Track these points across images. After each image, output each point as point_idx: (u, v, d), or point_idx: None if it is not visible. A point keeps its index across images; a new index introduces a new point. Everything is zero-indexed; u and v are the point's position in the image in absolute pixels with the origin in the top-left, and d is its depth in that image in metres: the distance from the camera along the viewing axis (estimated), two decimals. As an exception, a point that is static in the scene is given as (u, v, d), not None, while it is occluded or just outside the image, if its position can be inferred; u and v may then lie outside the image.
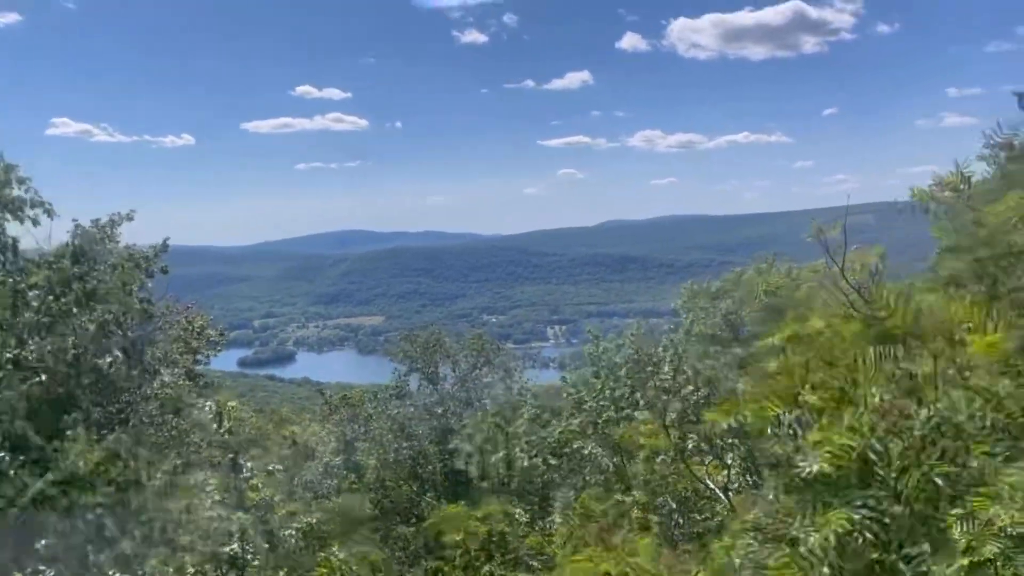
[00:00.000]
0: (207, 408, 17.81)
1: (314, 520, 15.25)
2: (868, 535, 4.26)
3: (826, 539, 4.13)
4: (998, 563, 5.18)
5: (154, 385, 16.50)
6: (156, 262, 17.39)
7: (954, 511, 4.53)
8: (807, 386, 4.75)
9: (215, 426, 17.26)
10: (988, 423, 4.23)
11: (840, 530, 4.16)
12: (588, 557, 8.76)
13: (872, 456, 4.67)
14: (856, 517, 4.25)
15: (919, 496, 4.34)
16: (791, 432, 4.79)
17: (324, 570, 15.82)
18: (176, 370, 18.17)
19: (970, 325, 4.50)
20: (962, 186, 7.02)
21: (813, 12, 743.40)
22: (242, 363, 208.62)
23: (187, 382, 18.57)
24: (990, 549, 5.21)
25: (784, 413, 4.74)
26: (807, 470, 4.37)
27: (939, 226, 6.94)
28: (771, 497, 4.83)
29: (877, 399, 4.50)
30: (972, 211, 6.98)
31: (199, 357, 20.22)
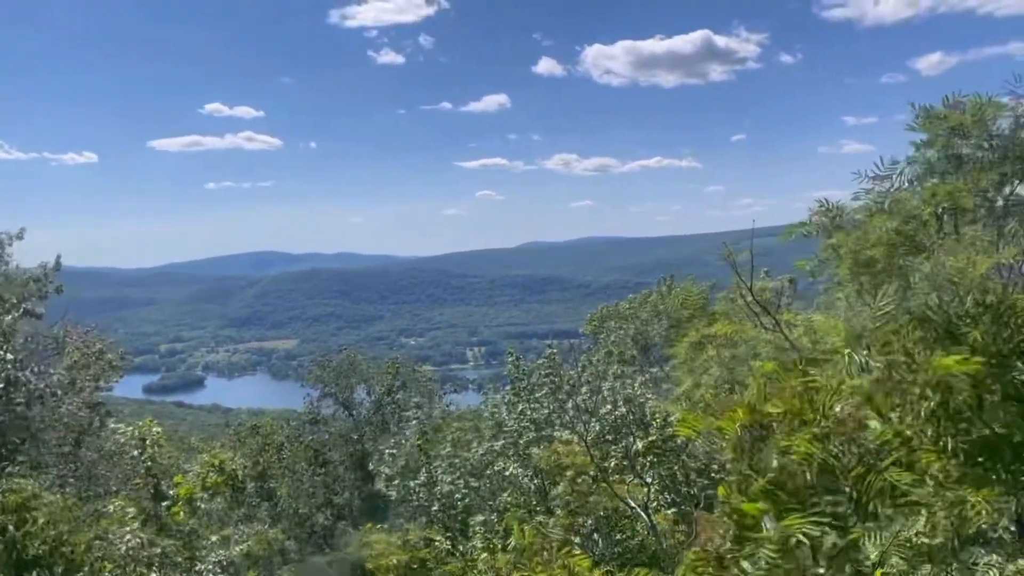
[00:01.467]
0: (125, 434, 16.82)
1: (236, 551, 14.60)
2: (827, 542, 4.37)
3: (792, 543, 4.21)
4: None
5: (57, 413, 15.48)
6: (48, 282, 16.18)
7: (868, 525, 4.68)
8: (770, 398, 4.87)
9: (136, 452, 16.29)
10: (939, 441, 4.42)
11: (801, 537, 4.26)
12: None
13: (833, 463, 4.82)
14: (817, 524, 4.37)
15: (872, 502, 4.49)
16: (749, 445, 4.89)
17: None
18: (75, 398, 17.08)
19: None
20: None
21: (721, 41, 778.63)
22: (148, 389, 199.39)
23: (87, 411, 17.47)
24: (896, 561, 5.41)
25: (747, 426, 4.84)
26: (769, 473, 4.47)
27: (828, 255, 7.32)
28: (725, 516, 4.89)
29: (837, 409, 4.69)
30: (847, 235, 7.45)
31: (100, 383, 19.07)
